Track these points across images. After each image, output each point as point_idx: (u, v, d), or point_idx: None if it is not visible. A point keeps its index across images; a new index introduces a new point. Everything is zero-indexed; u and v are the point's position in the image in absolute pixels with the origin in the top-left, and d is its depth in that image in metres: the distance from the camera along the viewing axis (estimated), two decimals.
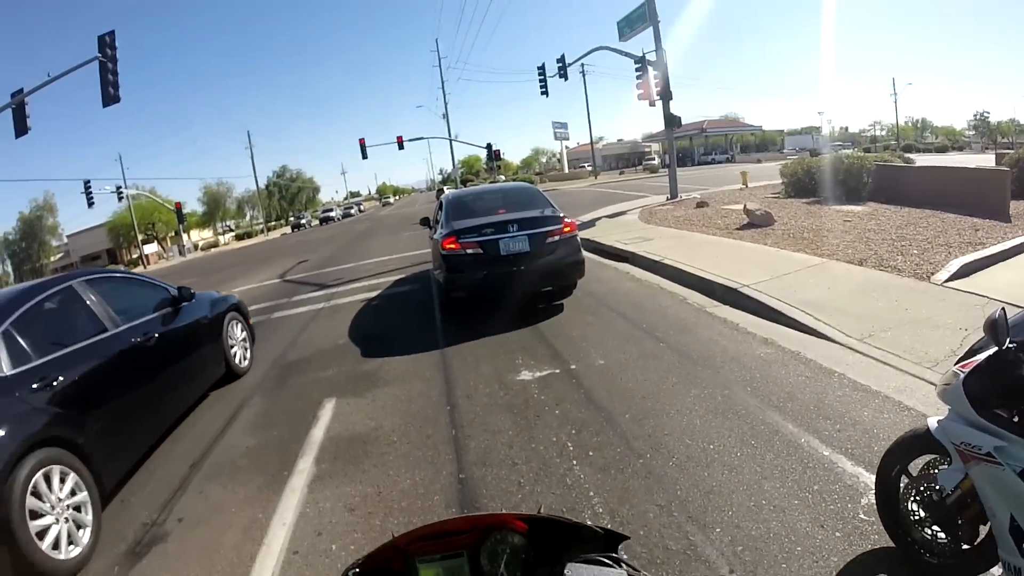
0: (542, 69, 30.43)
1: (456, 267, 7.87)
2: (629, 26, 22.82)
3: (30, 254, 62.01)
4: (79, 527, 3.90)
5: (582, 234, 13.04)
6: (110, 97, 19.21)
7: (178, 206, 49.27)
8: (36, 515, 3.59)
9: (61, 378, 4.24)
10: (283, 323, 9.67)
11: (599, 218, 17.69)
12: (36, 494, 3.62)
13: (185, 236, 55.19)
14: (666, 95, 20.93)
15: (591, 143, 66.14)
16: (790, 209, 13.63)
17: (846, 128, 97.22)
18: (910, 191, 12.41)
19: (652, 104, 21.71)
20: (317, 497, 4.18)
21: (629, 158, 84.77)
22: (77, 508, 3.92)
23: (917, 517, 2.73)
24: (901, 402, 4.21)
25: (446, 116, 62.57)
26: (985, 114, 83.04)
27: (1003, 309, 2.22)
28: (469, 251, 7.76)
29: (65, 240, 66.05)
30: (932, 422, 2.53)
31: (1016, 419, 1.95)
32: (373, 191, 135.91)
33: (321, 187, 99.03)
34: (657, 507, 3.43)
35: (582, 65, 48.14)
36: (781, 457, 3.74)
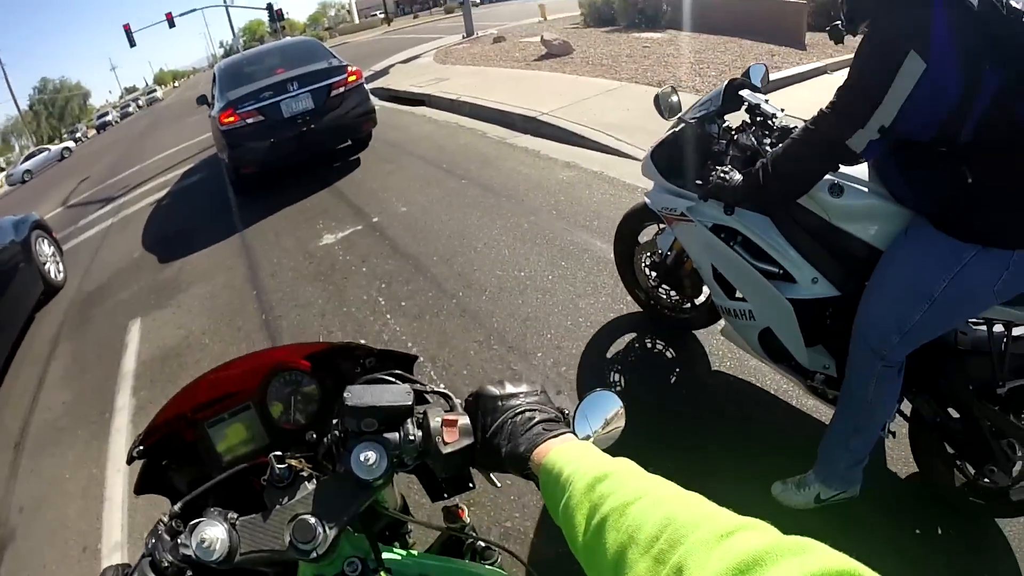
0: None
1: (239, 141, 7.23)
2: None
3: None
4: None
5: (376, 83, 12.53)
6: None
7: None
8: None
9: None
10: (74, 253, 8.65)
11: (393, 64, 16.87)
12: None
13: None
14: None
15: None
16: (589, 38, 13.56)
17: None
18: (709, 19, 12.59)
19: None
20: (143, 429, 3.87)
21: (423, 1, 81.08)
22: None
23: (650, 280, 3.16)
24: None
25: None
26: None
27: (672, 87, 2.71)
28: (250, 120, 7.11)
29: None
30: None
31: (698, 183, 2.23)
32: (151, 81, 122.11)
33: (92, 91, 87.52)
34: (476, 343, 3.46)
35: None
36: (592, 274, 3.83)
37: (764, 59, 8.98)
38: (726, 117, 2.46)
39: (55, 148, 44.14)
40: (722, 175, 2.17)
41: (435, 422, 0.93)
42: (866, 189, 1.98)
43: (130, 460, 1.17)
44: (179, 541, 0.89)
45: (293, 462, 0.99)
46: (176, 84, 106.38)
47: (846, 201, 2.01)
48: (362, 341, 1.22)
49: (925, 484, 2.30)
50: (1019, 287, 1.77)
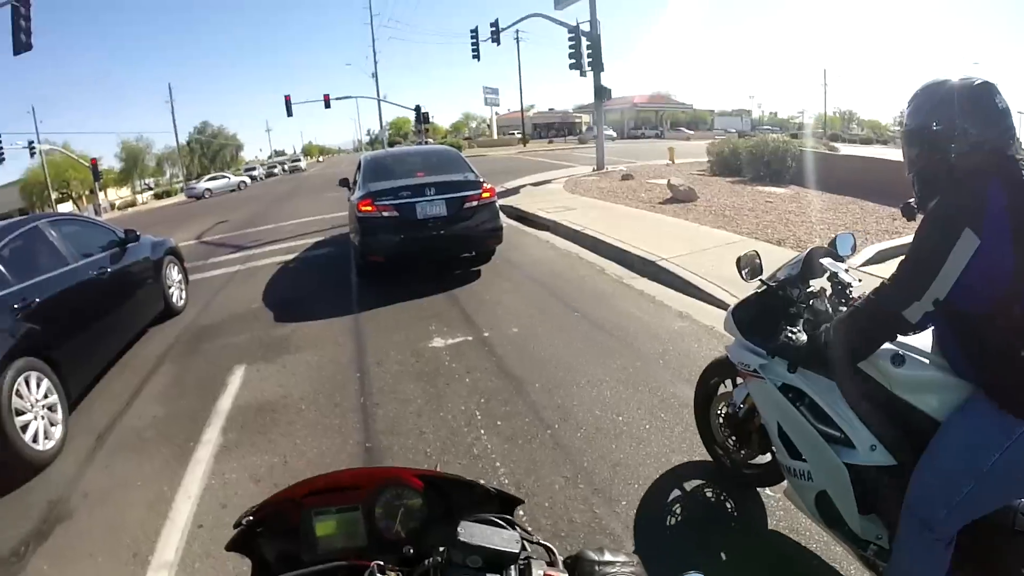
0: (475, 32, 29.73)
1: (371, 230, 7.70)
2: None
3: None
4: (52, 424, 4.65)
5: (506, 201, 13.05)
6: (21, 44, 17.81)
7: (94, 162, 45.79)
8: (19, 412, 4.32)
9: (36, 300, 4.96)
10: (197, 287, 9.27)
11: (524, 186, 17.67)
12: (19, 395, 4.36)
13: (101, 194, 51.25)
14: (597, 66, 20.99)
15: (521, 110, 65.62)
16: (714, 187, 13.87)
17: (775, 113, 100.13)
18: (833, 178, 12.77)
19: (583, 75, 21.71)
20: (223, 468, 4.08)
21: (559, 127, 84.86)
22: (50, 408, 4.68)
23: (723, 431, 3.23)
24: None
25: (375, 75, 61.61)
26: None
27: (755, 252, 2.89)
28: (385, 214, 7.59)
29: None
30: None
31: (768, 342, 2.46)
32: (299, 150, 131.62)
33: (244, 145, 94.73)
34: (563, 479, 3.44)
35: (516, 31, 47.69)
36: (690, 431, 3.77)
37: (885, 223, 9.03)
38: (811, 282, 2.59)
39: (234, 178, 49.26)
40: (789, 335, 2.42)
41: (537, 573, 1.01)
42: (927, 361, 2.03)
43: (237, 525, 1.28)
44: None
45: (392, 575, 1.08)
46: (320, 159, 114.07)
47: (907, 372, 2.05)
48: (480, 481, 1.30)
49: None
50: None
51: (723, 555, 2.86)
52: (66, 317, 5.33)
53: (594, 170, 20.82)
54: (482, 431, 4.04)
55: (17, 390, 4.34)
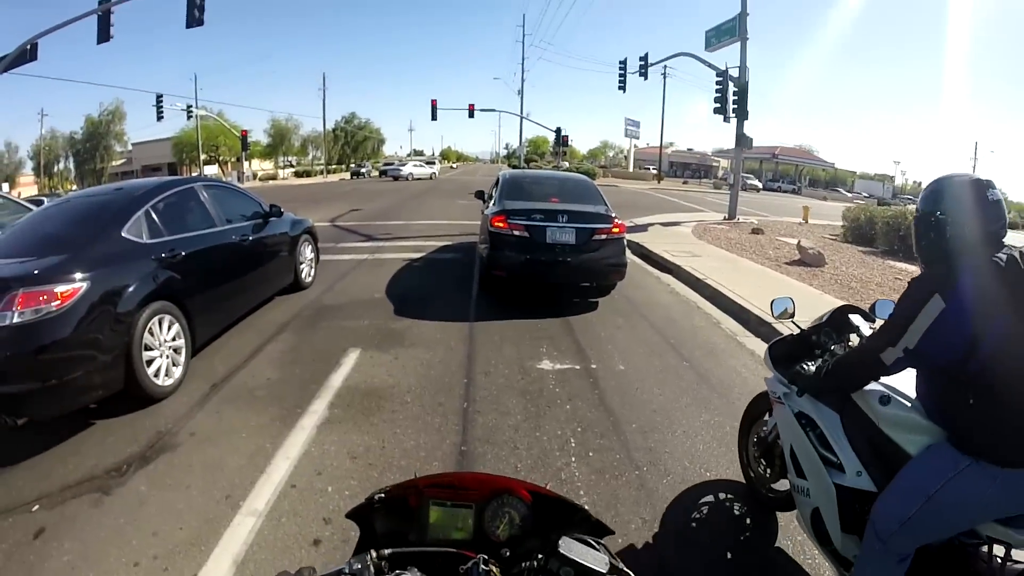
0: (623, 64, 29.90)
1: (500, 245, 7.94)
2: (717, 37, 22.29)
3: (93, 155, 63.00)
4: (174, 365, 5.21)
5: (632, 237, 13.06)
6: (194, 19, 19.59)
7: (244, 133, 49.51)
8: (148, 348, 4.86)
9: (182, 253, 5.52)
10: (325, 267, 9.85)
11: (653, 224, 17.58)
12: (151, 332, 4.91)
13: (246, 164, 55.42)
14: (741, 113, 20.56)
15: (660, 146, 65.03)
16: (844, 254, 13.36)
17: (919, 183, 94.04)
18: None
19: (726, 120, 21.34)
20: (324, 439, 4.35)
21: (695, 169, 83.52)
22: (176, 350, 5.24)
23: (755, 453, 3.69)
24: None
25: (521, 93, 62.54)
26: None
27: (790, 299, 3.46)
28: (516, 232, 7.83)
29: (130, 148, 67.01)
30: None
31: (801, 382, 2.85)
32: (438, 152, 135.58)
33: (386, 140, 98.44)
34: (641, 520, 3.50)
35: (664, 67, 47.54)
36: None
37: None
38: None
39: (429, 168, 54.95)
40: (804, 366, 2.92)
41: None
42: (909, 404, 2.43)
43: (369, 499, 1.48)
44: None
45: (494, 568, 1.24)
46: (455, 165, 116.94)
47: (891, 410, 2.46)
48: (585, 506, 1.47)
49: None
50: (1010, 507, 2.09)
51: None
52: (204, 273, 5.84)
53: (725, 219, 20.43)
54: (573, 458, 4.15)
55: (150, 328, 4.88)
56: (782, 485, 3.43)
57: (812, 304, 8.41)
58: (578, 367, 5.86)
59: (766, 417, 3.55)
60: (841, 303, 3.32)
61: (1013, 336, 1.98)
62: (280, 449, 4.21)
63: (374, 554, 1.24)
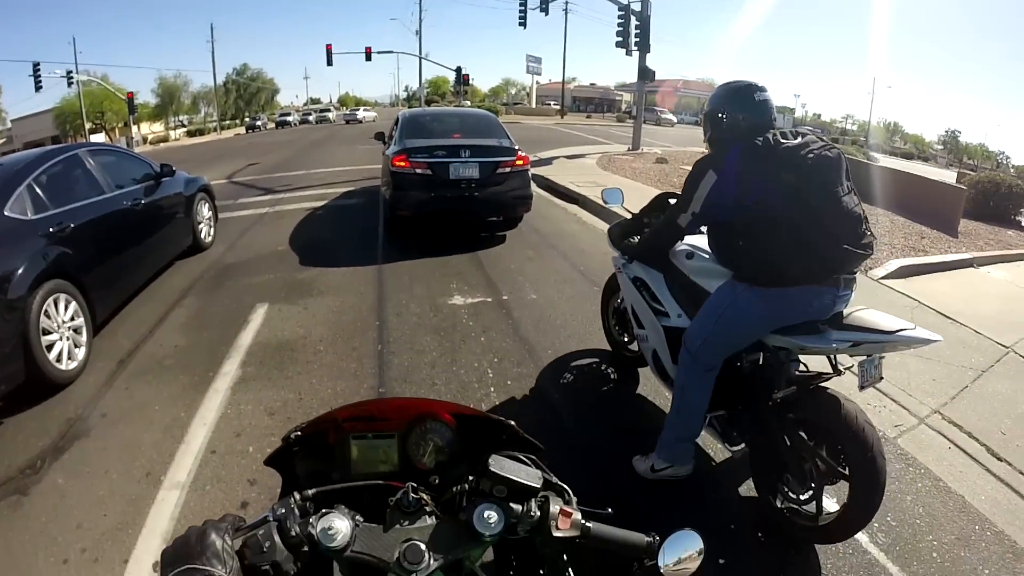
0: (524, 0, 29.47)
1: (404, 185, 7.79)
2: None
3: None
4: (76, 346, 4.84)
5: (538, 171, 13.04)
6: None
7: (130, 96, 45.88)
8: (46, 332, 4.48)
9: (71, 225, 5.07)
10: (225, 225, 9.39)
11: (557, 157, 17.62)
12: (47, 315, 4.52)
13: (135, 128, 51.55)
14: (644, 47, 20.58)
15: (563, 82, 64.52)
16: None
17: (819, 115, 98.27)
18: (869, 188, 12.59)
19: (629, 54, 21.36)
20: (239, 399, 4.23)
21: (599, 104, 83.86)
22: (76, 331, 4.87)
23: (613, 325, 4.53)
24: None
25: (419, 33, 60.75)
26: (956, 132, 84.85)
27: (619, 189, 4.10)
28: (418, 171, 7.68)
29: (8, 125, 61.80)
30: None
31: (627, 249, 3.65)
32: (335, 100, 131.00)
33: (281, 90, 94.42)
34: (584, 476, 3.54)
35: (566, 2, 47.02)
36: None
37: (913, 240, 8.98)
38: None
39: (371, 113, 63.57)
40: (631, 240, 3.72)
41: (554, 508, 1.12)
42: (707, 256, 3.14)
43: (285, 440, 1.38)
44: (309, 520, 1.09)
45: (424, 496, 1.19)
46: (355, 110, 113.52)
47: (695, 263, 3.25)
48: (511, 422, 1.42)
49: (760, 501, 2.99)
50: (775, 319, 2.71)
51: (603, 404, 4.19)
52: (97, 244, 5.46)
53: (629, 150, 20.69)
54: (492, 388, 4.18)
55: (46, 310, 4.49)
56: (637, 347, 3.99)
57: None
58: (489, 299, 5.89)
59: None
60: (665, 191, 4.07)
61: (762, 195, 2.56)
62: (196, 416, 4.07)
63: (297, 496, 1.17)
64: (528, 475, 1.16)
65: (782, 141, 2.57)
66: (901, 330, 2.53)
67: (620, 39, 21.28)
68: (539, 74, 65.92)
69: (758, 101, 2.74)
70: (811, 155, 2.55)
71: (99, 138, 52.22)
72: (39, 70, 37.78)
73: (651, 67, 21.09)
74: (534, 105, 66.66)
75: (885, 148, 64.74)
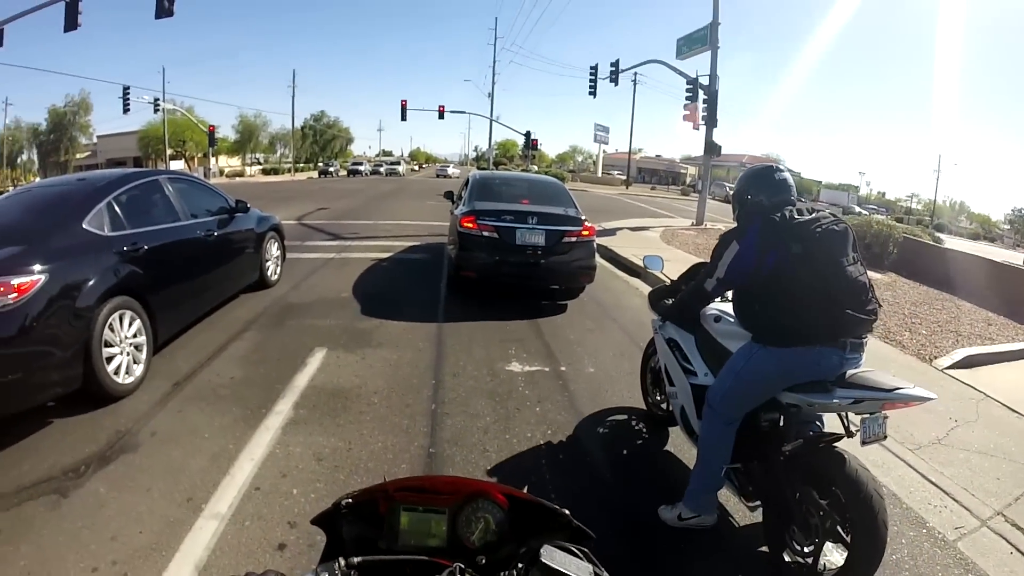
0: (594, 70, 29.97)
1: (470, 246, 7.91)
2: (688, 45, 22.40)
3: (57, 147, 61.88)
4: (135, 362, 5.05)
5: (601, 241, 13.05)
6: (164, 10, 19.31)
7: (212, 129, 48.45)
8: (108, 344, 4.70)
9: (144, 247, 5.34)
10: (291, 265, 9.69)
11: (621, 228, 17.68)
12: (111, 328, 4.73)
13: (213, 160, 54.49)
14: (711, 121, 20.76)
15: (629, 152, 65.39)
16: None
17: (883, 194, 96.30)
18: (933, 270, 12.26)
19: (696, 128, 21.53)
20: (289, 440, 4.26)
21: (663, 176, 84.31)
22: (136, 347, 5.09)
23: (650, 384, 4.83)
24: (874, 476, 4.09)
25: (491, 95, 62.49)
26: (1023, 211, 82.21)
27: (659, 256, 4.93)
28: (485, 233, 7.80)
29: (95, 140, 66.13)
30: None
31: (662, 311, 4.01)
32: (406, 153, 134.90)
33: (355, 139, 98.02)
34: (615, 532, 3.45)
35: (635, 74, 47.99)
36: None
37: (979, 328, 8.59)
38: None
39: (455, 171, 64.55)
40: (666, 302, 3.99)
41: None
42: (732, 320, 3.43)
43: (336, 504, 1.39)
44: None
45: None
46: (424, 165, 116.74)
47: (722, 326, 3.55)
48: (566, 511, 1.40)
49: (771, 556, 3.11)
50: (789, 377, 2.94)
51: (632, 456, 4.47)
52: (167, 268, 5.68)
53: (693, 224, 20.60)
54: (543, 461, 4.11)
55: (110, 324, 4.71)
56: (669, 406, 4.24)
57: None
58: (547, 369, 5.84)
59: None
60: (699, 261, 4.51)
61: (778, 265, 2.84)
62: (244, 450, 4.11)
63: (342, 562, 1.17)
64: (579, 568, 1.14)
65: (796, 217, 2.91)
66: (899, 388, 2.71)
67: (687, 112, 21.49)
68: (606, 143, 66.78)
69: (778, 180, 3.13)
70: (819, 229, 2.86)
71: (178, 165, 55.28)
72: (128, 94, 39.93)
73: (717, 142, 21.18)
74: (600, 174, 67.30)
75: (951, 228, 63.00)
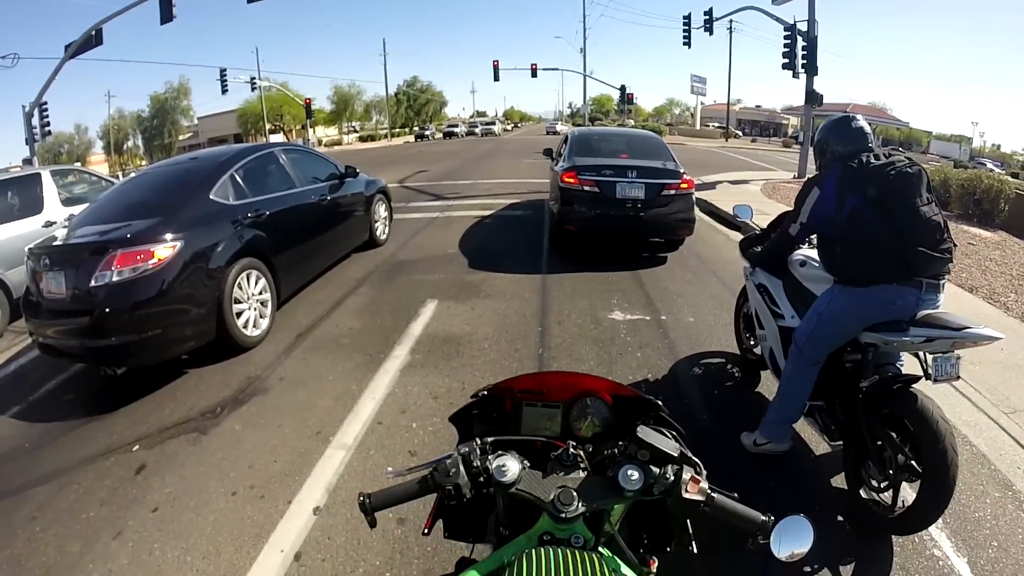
0: (688, 19, 28.91)
1: (571, 201, 8.10)
2: None
3: (160, 131, 65.25)
4: (261, 317, 5.66)
5: (701, 194, 12.96)
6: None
7: (308, 102, 49.74)
8: (237, 301, 5.29)
9: (266, 213, 5.90)
10: (398, 225, 10.18)
11: (721, 182, 17.30)
12: (239, 287, 5.32)
13: (311, 131, 55.80)
14: (811, 69, 19.69)
15: (728, 104, 62.80)
16: None
17: (998, 146, 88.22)
18: None
19: (796, 76, 20.51)
20: (407, 381, 4.67)
21: (764, 127, 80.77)
22: (262, 303, 5.69)
23: (742, 329, 4.98)
24: (966, 436, 3.93)
25: (583, 51, 61.60)
26: None
27: (749, 206, 4.93)
28: (586, 188, 7.97)
29: (196, 121, 69.26)
30: None
31: (751, 257, 4.18)
32: (500, 113, 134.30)
33: (448, 102, 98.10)
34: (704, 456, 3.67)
35: (730, 21, 45.68)
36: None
37: None
38: None
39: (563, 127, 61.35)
40: (755, 249, 4.14)
41: (686, 475, 1.34)
42: (817, 264, 3.58)
43: (475, 396, 1.72)
44: (488, 458, 1.39)
45: (580, 453, 1.46)
46: (519, 124, 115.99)
47: (807, 270, 3.71)
48: (659, 401, 1.64)
49: (849, 491, 3.22)
50: (869, 316, 3.07)
51: (725, 399, 4.57)
52: (286, 231, 6.20)
53: (795, 177, 19.83)
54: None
55: (238, 282, 5.29)
56: (759, 350, 4.37)
57: None
58: (648, 318, 6.01)
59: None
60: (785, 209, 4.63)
61: (856, 208, 2.99)
62: (366, 390, 4.54)
63: (479, 440, 1.45)
64: (668, 445, 1.38)
65: (872, 161, 3.03)
66: (968, 327, 2.81)
67: (786, 60, 20.51)
68: (704, 95, 64.54)
69: (854, 128, 3.25)
70: (893, 171, 2.96)
71: (277, 138, 57.30)
72: (225, 75, 41.44)
73: (819, 90, 20.19)
74: (698, 127, 65.22)
75: None
